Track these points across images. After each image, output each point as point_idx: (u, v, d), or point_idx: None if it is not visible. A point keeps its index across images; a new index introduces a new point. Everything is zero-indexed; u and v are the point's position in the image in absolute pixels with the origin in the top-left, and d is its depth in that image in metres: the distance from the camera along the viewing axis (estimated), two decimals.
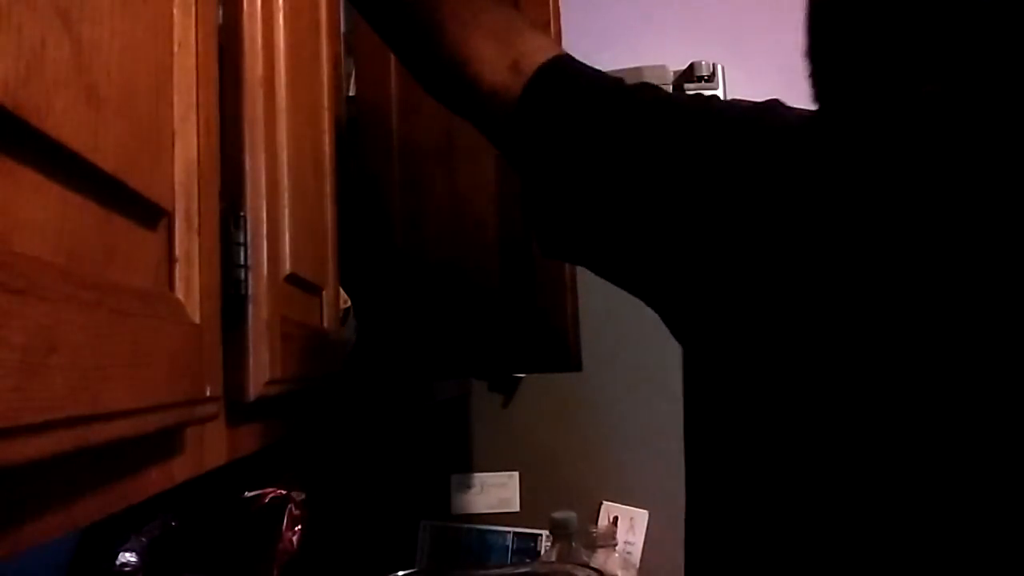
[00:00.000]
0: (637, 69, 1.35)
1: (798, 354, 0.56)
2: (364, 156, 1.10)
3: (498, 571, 1.31)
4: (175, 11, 0.43)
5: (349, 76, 1.15)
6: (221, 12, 0.54)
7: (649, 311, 0.66)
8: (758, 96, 0.66)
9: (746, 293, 0.57)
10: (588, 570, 1.15)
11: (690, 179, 0.60)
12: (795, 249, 0.56)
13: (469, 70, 0.66)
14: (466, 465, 1.38)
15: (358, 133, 1.10)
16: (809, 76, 0.61)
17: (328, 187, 0.83)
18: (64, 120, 0.29)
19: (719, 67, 1.46)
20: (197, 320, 0.44)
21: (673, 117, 0.62)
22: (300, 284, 0.69)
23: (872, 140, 0.57)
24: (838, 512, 0.55)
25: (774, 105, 0.63)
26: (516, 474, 1.38)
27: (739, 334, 0.58)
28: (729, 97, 1.40)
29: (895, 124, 0.56)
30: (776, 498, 0.57)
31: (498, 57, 0.65)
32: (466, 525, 1.37)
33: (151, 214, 0.40)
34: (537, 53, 0.66)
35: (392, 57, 1.11)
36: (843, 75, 0.59)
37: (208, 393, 0.44)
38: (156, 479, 0.41)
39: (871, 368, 0.53)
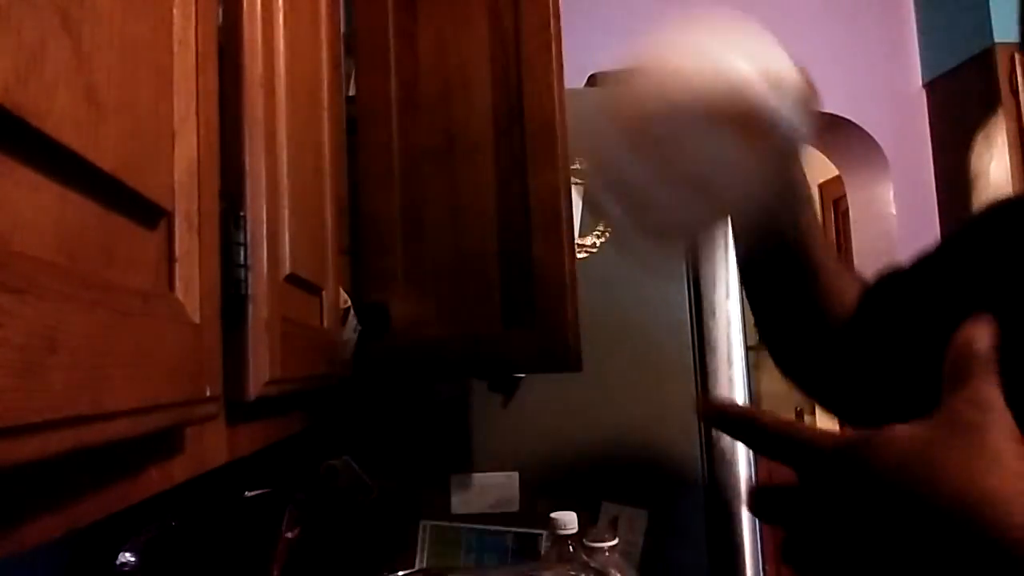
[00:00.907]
0: None
1: None
2: (364, 156, 1.10)
3: (498, 571, 1.31)
4: (175, 11, 0.43)
5: (349, 76, 1.15)
6: (221, 12, 0.54)
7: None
8: None
9: None
10: (588, 570, 1.15)
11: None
12: None
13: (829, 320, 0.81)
14: (466, 465, 1.37)
15: (358, 133, 1.10)
16: None
17: (328, 187, 0.83)
18: (64, 120, 0.29)
19: None
20: (197, 320, 0.44)
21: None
22: (300, 284, 0.69)
23: None
24: None
25: None
26: (516, 474, 1.37)
27: None
28: None
29: None
30: None
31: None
32: (466, 525, 1.37)
33: (151, 214, 0.40)
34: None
35: (392, 57, 1.11)
36: None
37: (208, 393, 0.44)
38: (156, 479, 0.41)
39: None
